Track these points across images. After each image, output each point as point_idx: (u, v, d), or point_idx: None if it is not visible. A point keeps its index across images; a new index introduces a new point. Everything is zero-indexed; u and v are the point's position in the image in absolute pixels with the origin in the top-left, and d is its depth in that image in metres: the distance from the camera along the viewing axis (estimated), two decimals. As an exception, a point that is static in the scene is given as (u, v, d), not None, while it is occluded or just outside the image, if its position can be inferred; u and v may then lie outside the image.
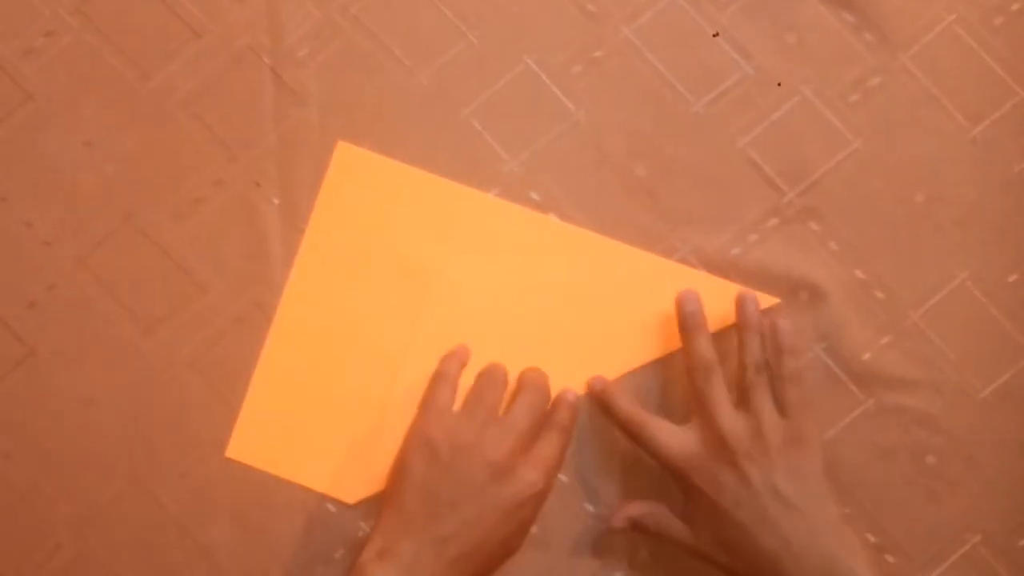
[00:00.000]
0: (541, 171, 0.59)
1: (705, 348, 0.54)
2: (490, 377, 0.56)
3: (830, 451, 0.56)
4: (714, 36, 0.59)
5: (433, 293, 0.58)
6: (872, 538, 0.57)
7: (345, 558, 0.57)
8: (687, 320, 0.55)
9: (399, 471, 0.53)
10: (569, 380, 0.57)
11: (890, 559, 0.57)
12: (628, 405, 0.55)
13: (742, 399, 0.53)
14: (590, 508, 0.57)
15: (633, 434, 0.55)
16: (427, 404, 0.55)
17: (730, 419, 0.53)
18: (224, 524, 0.57)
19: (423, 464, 0.52)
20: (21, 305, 0.58)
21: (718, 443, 0.52)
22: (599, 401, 0.56)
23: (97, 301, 0.58)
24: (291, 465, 0.57)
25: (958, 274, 0.58)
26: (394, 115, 0.59)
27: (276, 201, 0.59)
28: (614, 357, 0.57)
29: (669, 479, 0.55)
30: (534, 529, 0.57)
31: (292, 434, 0.57)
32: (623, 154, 0.59)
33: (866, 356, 0.58)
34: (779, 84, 0.59)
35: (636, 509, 0.55)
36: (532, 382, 0.55)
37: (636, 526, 0.55)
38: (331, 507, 0.57)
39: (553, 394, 0.56)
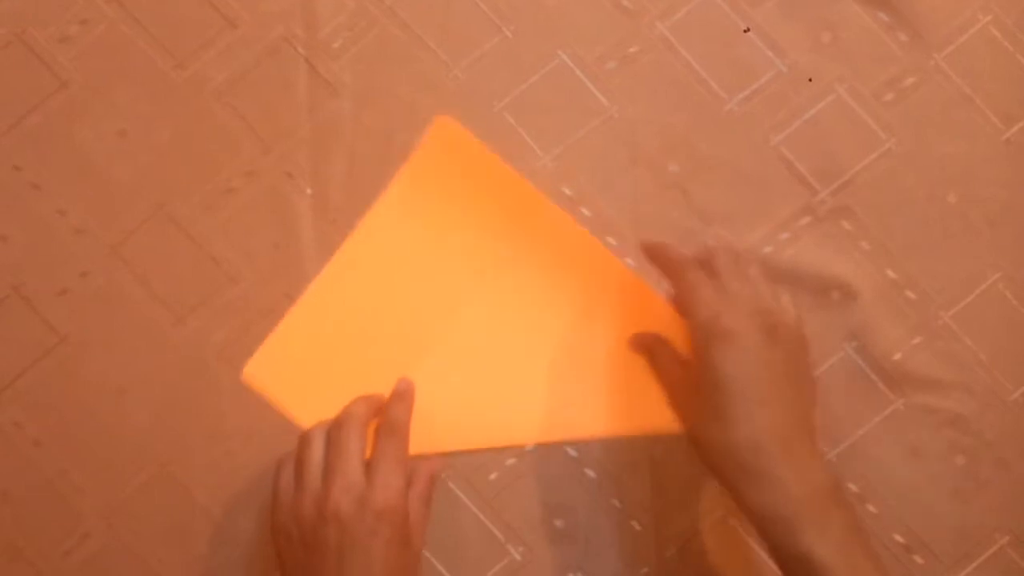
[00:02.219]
0: (574, 166, 0.59)
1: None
2: (303, 438, 0.53)
3: (860, 451, 0.57)
4: (745, 32, 0.59)
5: (482, 287, 0.58)
6: (900, 538, 0.57)
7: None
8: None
9: (280, 565, 0.52)
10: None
11: (918, 559, 0.57)
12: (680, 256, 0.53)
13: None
14: (617, 504, 0.57)
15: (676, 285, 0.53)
16: (273, 493, 0.52)
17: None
18: (252, 513, 0.57)
19: (287, 551, 0.51)
20: (53, 292, 0.58)
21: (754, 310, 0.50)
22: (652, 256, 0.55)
23: (128, 290, 0.58)
24: (299, 406, 0.57)
25: (990, 275, 0.58)
26: (428, 108, 0.59)
27: (308, 192, 0.58)
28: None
29: (699, 477, 0.56)
30: (560, 523, 0.57)
31: (310, 377, 0.57)
32: (656, 151, 0.59)
33: (897, 356, 0.58)
34: (810, 80, 0.58)
35: (649, 339, 0.57)
36: (340, 417, 0.53)
37: (648, 354, 0.56)
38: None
39: None
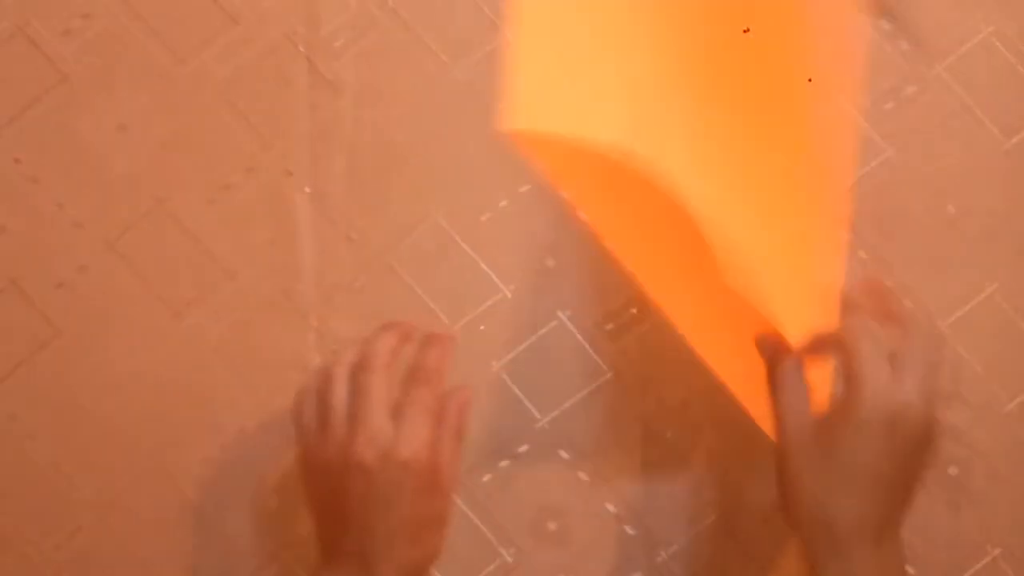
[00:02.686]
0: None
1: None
2: (324, 376, 0.51)
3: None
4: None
5: None
6: (892, 547, 0.57)
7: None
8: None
9: (308, 504, 0.52)
10: None
11: (910, 570, 0.56)
12: None
13: None
14: (611, 509, 0.57)
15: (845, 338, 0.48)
16: (297, 432, 0.51)
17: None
18: (243, 511, 0.58)
19: (315, 492, 0.51)
20: (50, 286, 0.58)
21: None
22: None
23: (126, 284, 0.58)
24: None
25: (987, 287, 0.58)
26: (428, 108, 0.59)
27: (307, 190, 0.59)
28: None
29: (692, 476, 0.56)
30: (552, 526, 0.57)
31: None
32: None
33: (892, 365, 0.58)
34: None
35: (782, 344, 0.49)
36: (362, 356, 0.51)
37: (770, 360, 0.49)
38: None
39: None
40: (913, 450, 0.47)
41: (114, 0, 0.59)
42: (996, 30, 0.59)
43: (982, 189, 0.58)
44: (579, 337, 0.58)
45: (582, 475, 0.57)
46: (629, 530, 0.57)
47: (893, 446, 0.46)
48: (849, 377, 0.46)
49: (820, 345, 0.49)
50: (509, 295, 0.58)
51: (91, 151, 0.58)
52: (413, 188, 0.59)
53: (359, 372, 0.50)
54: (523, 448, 0.58)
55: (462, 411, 0.51)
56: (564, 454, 0.58)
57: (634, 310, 0.58)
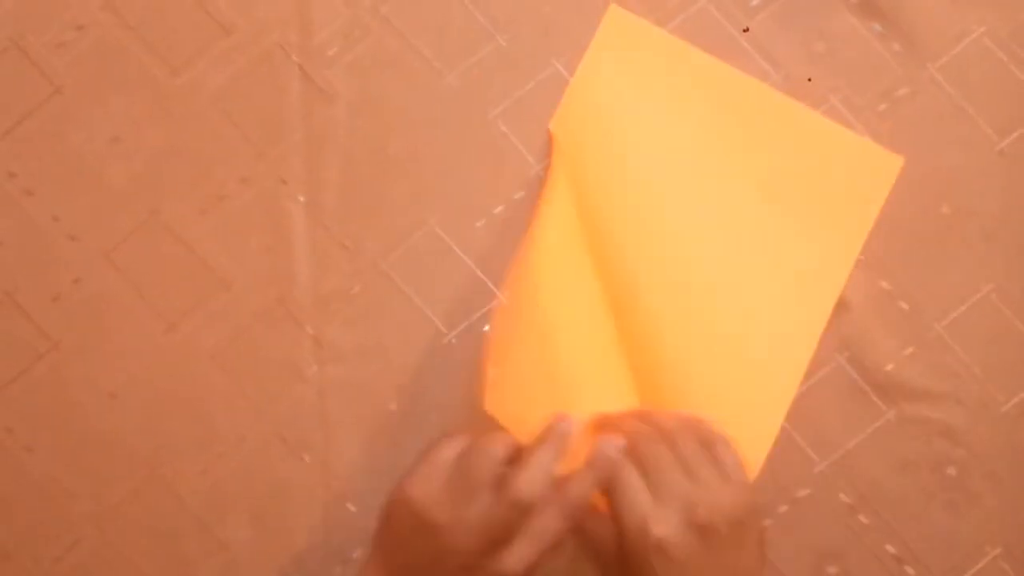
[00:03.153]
0: (567, 175, 0.59)
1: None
2: (481, 448, 0.49)
3: (851, 461, 0.57)
4: (744, 31, 0.59)
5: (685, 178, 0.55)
6: (892, 549, 0.57)
7: (363, 558, 0.57)
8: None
9: (381, 532, 0.50)
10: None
11: (910, 571, 0.57)
12: None
13: None
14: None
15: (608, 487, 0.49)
16: (422, 463, 0.49)
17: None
18: (242, 520, 0.58)
19: (390, 520, 0.50)
20: (46, 298, 0.58)
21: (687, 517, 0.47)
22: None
23: (121, 295, 0.58)
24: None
25: (983, 287, 0.58)
26: (421, 115, 0.59)
27: (302, 199, 0.59)
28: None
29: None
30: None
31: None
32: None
33: (889, 367, 0.58)
34: (810, 79, 0.58)
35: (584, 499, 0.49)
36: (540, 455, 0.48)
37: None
38: (351, 507, 0.57)
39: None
40: (723, 551, 0.47)
41: (107, 12, 0.59)
42: (988, 30, 0.59)
43: (977, 190, 0.58)
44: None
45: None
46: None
47: (701, 560, 0.47)
48: (614, 509, 0.48)
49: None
50: (505, 301, 0.58)
51: (85, 163, 0.58)
52: (408, 195, 0.59)
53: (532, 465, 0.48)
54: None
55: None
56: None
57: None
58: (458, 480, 0.48)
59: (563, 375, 0.53)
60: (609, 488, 0.48)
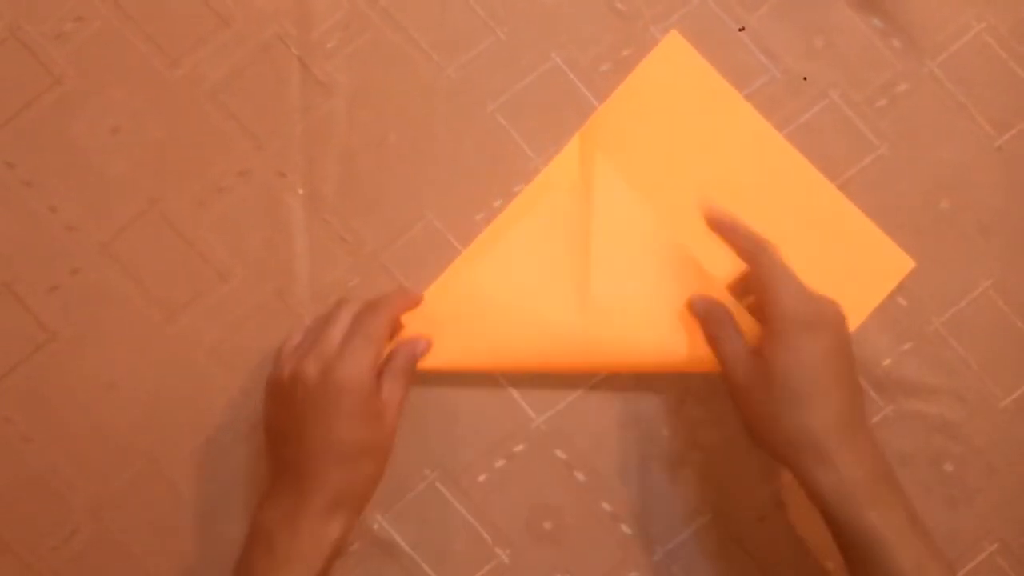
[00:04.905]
0: (566, 168, 0.59)
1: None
2: (329, 313, 0.55)
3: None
4: (740, 30, 0.59)
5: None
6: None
7: (358, 551, 0.57)
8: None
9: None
10: None
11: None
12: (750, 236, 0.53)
13: None
14: (607, 507, 0.57)
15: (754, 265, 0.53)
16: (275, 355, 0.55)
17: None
18: (239, 511, 0.58)
19: (266, 406, 0.54)
20: (44, 289, 0.58)
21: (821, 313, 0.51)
22: (716, 226, 0.54)
23: (119, 286, 0.58)
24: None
25: (981, 282, 0.58)
26: (421, 108, 0.59)
27: (301, 191, 0.59)
28: None
29: (688, 474, 0.56)
30: (548, 525, 0.57)
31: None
32: (648, 153, 0.59)
33: (887, 362, 0.58)
34: (805, 78, 0.59)
35: (710, 303, 0.54)
36: (364, 303, 0.54)
37: (705, 318, 0.54)
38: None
39: None
40: (839, 346, 0.51)
41: (106, 3, 0.59)
42: (988, 26, 0.59)
43: (975, 185, 0.58)
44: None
45: (578, 475, 0.57)
46: (625, 529, 0.57)
47: (820, 347, 0.50)
48: (764, 297, 0.51)
49: (739, 285, 0.55)
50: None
51: (84, 154, 0.58)
52: (406, 188, 0.59)
53: (335, 307, 0.54)
54: (519, 448, 0.58)
55: (410, 356, 0.54)
56: (560, 453, 0.58)
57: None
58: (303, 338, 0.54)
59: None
60: (759, 274, 0.52)
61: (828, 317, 0.51)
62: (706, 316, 0.54)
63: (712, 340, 0.54)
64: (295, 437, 0.51)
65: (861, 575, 0.49)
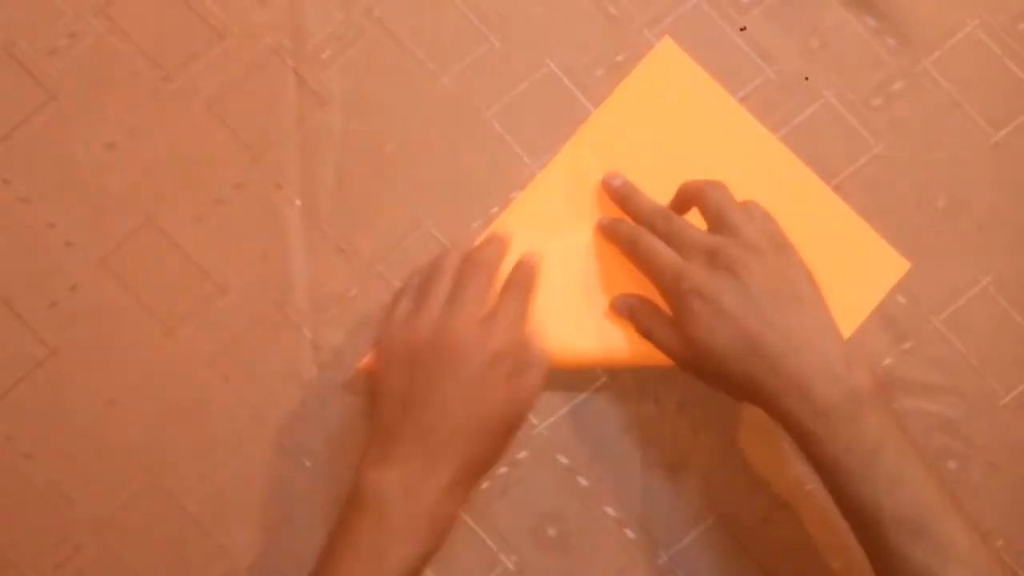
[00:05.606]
0: (563, 174, 0.59)
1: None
2: (435, 266, 0.54)
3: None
4: (741, 30, 0.59)
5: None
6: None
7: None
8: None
9: (374, 387, 0.52)
10: None
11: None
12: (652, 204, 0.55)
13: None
14: (611, 512, 0.57)
15: (632, 258, 0.55)
16: (387, 315, 0.54)
17: (705, 236, 0.52)
18: (242, 525, 0.57)
19: (389, 372, 0.51)
20: (43, 305, 0.58)
21: (708, 257, 0.51)
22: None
23: (118, 301, 0.58)
24: None
25: (980, 279, 0.58)
26: (416, 117, 0.59)
27: (298, 203, 0.59)
28: None
29: (691, 477, 0.56)
30: (552, 531, 0.57)
31: None
32: (645, 157, 0.59)
33: (887, 361, 0.58)
34: (807, 78, 0.59)
35: (633, 300, 0.55)
36: (475, 254, 0.54)
37: (631, 315, 0.55)
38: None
39: None
40: (762, 278, 0.50)
41: (100, 18, 0.59)
42: (982, 23, 0.59)
43: (972, 182, 0.58)
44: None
45: (581, 480, 0.57)
46: (629, 533, 0.57)
47: (715, 305, 0.50)
48: (647, 275, 0.53)
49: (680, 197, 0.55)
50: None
51: (81, 169, 0.58)
52: (403, 197, 0.59)
53: (468, 265, 0.53)
54: (522, 454, 0.58)
55: (545, 361, 0.53)
56: (563, 459, 0.58)
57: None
58: (421, 301, 0.52)
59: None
60: (636, 263, 0.54)
61: (710, 269, 0.51)
62: (631, 314, 0.55)
63: (645, 334, 0.54)
64: (433, 408, 0.49)
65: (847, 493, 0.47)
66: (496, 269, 0.54)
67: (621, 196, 0.56)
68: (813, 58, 0.59)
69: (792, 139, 0.58)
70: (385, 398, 0.51)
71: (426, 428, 0.49)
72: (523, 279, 0.54)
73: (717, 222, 0.52)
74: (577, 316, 0.57)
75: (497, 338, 0.50)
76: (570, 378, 0.58)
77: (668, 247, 0.53)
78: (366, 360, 0.56)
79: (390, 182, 0.59)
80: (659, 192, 0.56)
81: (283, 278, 0.58)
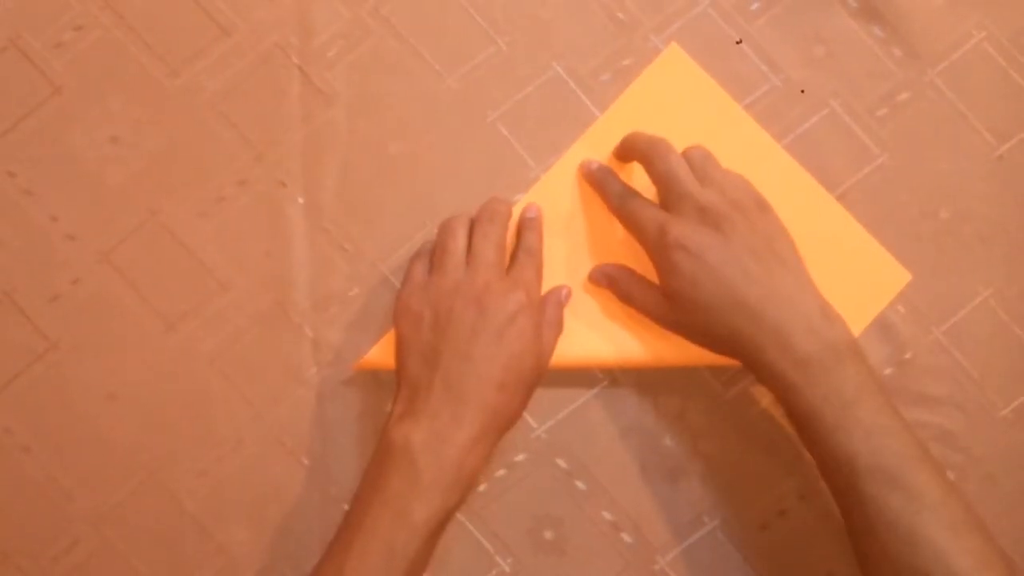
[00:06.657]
0: (567, 178, 0.59)
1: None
2: (447, 227, 0.56)
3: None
4: (737, 43, 0.59)
5: None
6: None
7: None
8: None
9: (398, 347, 0.54)
10: None
11: None
12: (620, 186, 0.56)
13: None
14: (608, 516, 0.57)
15: (619, 216, 0.56)
16: (405, 279, 0.56)
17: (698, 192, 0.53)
18: (241, 522, 0.57)
19: (413, 331, 0.53)
20: (44, 299, 0.58)
21: (698, 212, 0.52)
22: (590, 180, 0.58)
23: (120, 296, 0.58)
24: None
25: (981, 291, 0.58)
26: (421, 118, 0.59)
27: (301, 201, 0.58)
28: None
29: (689, 483, 0.56)
30: (549, 534, 0.57)
31: None
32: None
33: (887, 371, 0.58)
34: (802, 91, 0.59)
35: (610, 268, 0.57)
36: (486, 212, 0.55)
37: (611, 283, 0.56)
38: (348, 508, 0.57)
39: None
40: (745, 234, 0.51)
41: (106, 12, 0.59)
42: (988, 35, 0.59)
43: (975, 195, 0.58)
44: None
45: (579, 483, 0.57)
46: (626, 538, 0.57)
47: (723, 247, 0.51)
48: (631, 230, 0.55)
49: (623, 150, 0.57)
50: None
51: (84, 163, 0.58)
52: (407, 198, 0.59)
53: (482, 224, 0.55)
54: (520, 457, 0.58)
55: (560, 304, 0.56)
56: (561, 463, 0.58)
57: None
58: (440, 261, 0.54)
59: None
60: (620, 217, 0.56)
61: (697, 223, 0.52)
62: (610, 282, 0.56)
63: (625, 299, 0.56)
64: (458, 357, 0.51)
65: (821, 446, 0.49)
66: (507, 224, 0.55)
67: (596, 180, 0.57)
68: (819, 67, 0.59)
69: (796, 147, 0.59)
70: (410, 357, 0.52)
71: (454, 380, 0.50)
72: (530, 247, 0.56)
73: (702, 176, 0.53)
74: (578, 316, 0.57)
75: (520, 290, 0.52)
76: (570, 382, 0.58)
77: (653, 204, 0.54)
78: (365, 358, 0.56)
79: (394, 182, 0.59)
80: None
81: (285, 276, 0.58)
